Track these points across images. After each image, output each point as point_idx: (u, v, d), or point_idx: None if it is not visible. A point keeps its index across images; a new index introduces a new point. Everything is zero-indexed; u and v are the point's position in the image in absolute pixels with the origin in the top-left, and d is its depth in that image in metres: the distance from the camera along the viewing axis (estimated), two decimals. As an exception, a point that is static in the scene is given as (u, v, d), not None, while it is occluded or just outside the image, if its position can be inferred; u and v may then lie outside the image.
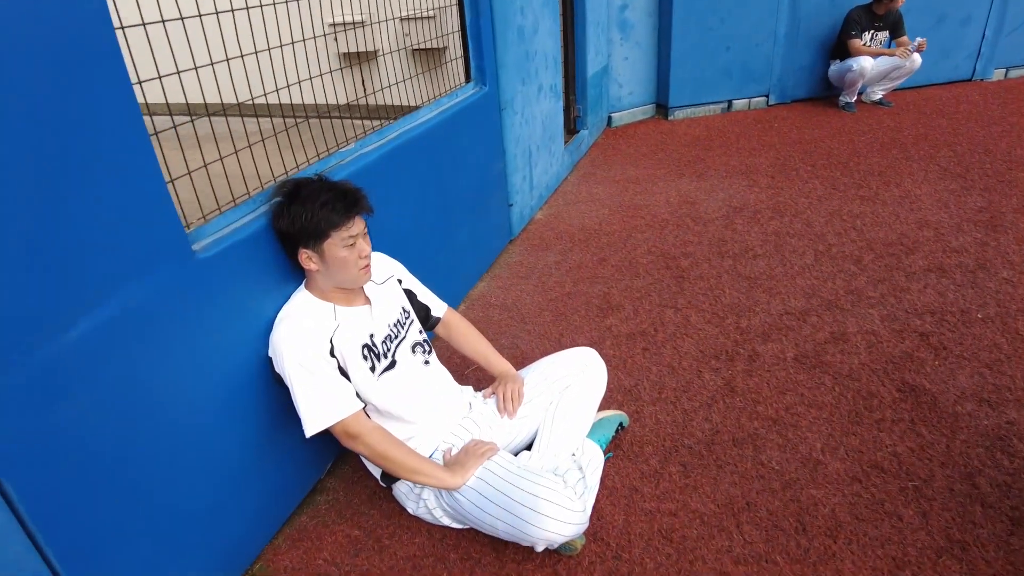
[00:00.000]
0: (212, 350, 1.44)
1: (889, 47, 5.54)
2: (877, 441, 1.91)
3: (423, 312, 1.92)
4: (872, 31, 5.29)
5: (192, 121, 1.45)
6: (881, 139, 4.66)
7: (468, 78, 2.87)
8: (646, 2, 5.20)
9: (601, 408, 2.04)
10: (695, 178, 4.16)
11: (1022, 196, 3.54)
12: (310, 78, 1.91)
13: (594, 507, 1.72)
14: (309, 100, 1.96)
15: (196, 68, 1.49)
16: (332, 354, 1.54)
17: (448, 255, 2.64)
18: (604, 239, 3.39)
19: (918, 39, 5.13)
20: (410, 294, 1.88)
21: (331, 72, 2.09)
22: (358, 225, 1.56)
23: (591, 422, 1.90)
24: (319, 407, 1.51)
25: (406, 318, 1.78)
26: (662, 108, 5.57)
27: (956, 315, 2.49)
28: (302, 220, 1.50)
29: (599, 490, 1.78)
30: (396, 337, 1.72)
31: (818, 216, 3.46)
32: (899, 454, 1.85)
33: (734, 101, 5.61)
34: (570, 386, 1.87)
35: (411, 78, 2.50)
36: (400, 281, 1.86)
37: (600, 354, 1.95)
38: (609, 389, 2.18)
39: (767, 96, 5.67)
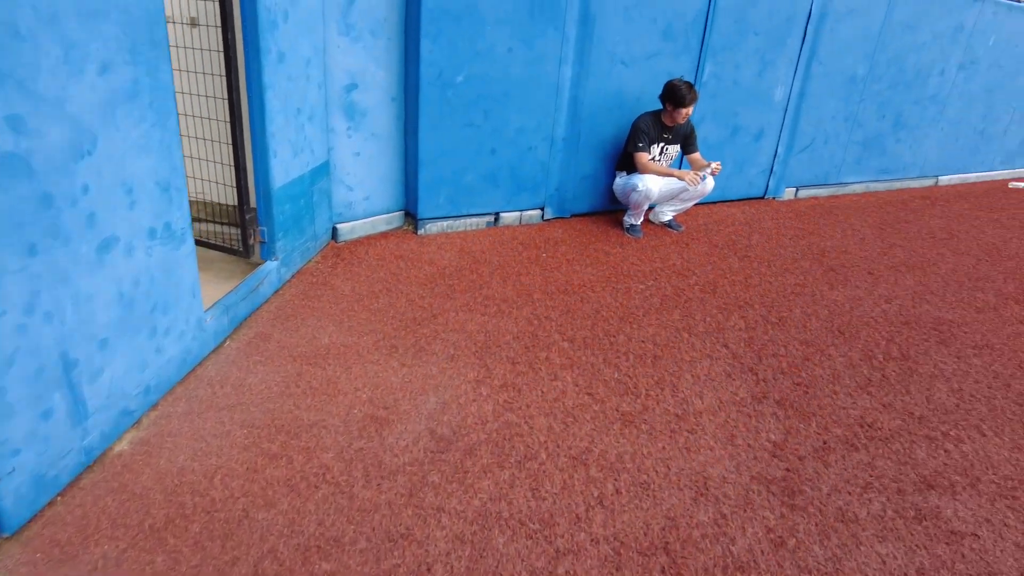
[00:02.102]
0: None
1: (680, 163, 4.76)
2: None
3: None
4: (662, 144, 4.44)
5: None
6: (664, 289, 3.70)
7: None
8: (386, 81, 3.88)
9: None
10: (412, 356, 2.83)
11: (824, 418, 2.62)
12: None
13: None
14: None
15: None
16: None
17: None
18: (196, 527, 1.89)
19: (712, 164, 4.35)
20: None
21: None
22: None
23: None
24: None
25: None
26: (412, 218, 4.27)
27: None
28: None
29: None
30: None
31: (555, 467, 2.25)
32: None
33: (502, 214, 4.46)
34: None
35: None
36: None
37: None
38: None
39: (543, 209, 4.61)
